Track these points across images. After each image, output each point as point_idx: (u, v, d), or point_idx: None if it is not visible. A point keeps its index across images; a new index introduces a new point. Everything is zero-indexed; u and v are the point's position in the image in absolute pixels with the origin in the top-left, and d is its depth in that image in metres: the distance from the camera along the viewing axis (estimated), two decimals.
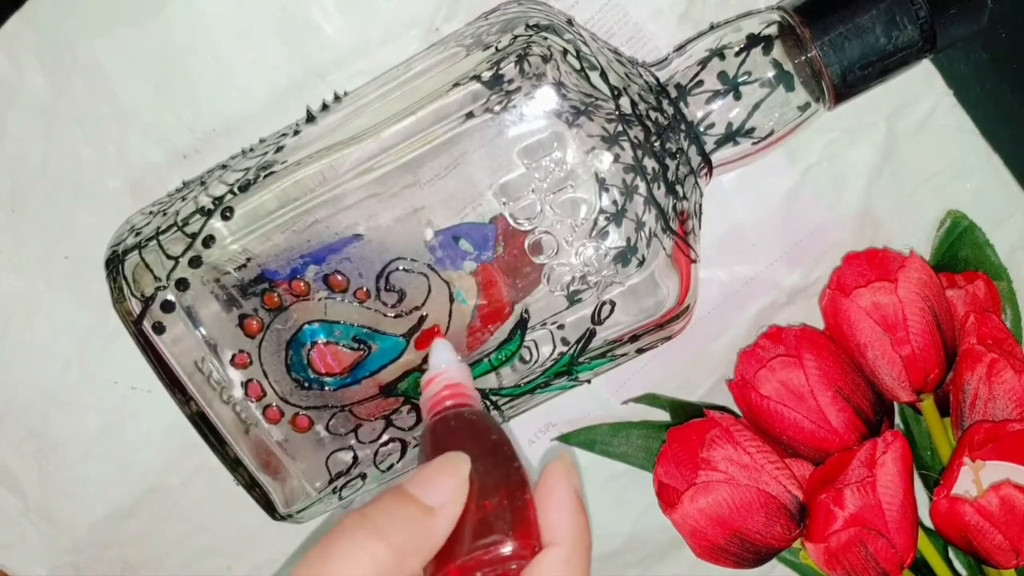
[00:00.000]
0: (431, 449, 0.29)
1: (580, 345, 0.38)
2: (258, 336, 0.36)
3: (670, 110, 0.37)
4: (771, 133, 0.39)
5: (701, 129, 0.38)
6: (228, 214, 0.36)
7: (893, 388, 0.42)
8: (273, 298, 0.36)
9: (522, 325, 0.37)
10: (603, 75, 0.36)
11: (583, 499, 0.28)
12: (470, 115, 0.35)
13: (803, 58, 0.38)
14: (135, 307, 0.36)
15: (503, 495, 0.27)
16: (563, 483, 0.28)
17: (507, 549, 0.26)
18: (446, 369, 0.31)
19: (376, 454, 0.38)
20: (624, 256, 0.36)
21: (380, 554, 0.26)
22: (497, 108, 0.35)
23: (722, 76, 0.38)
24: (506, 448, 0.29)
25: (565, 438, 0.48)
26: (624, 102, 0.36)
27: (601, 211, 0.35)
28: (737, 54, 0.38)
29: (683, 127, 0.37)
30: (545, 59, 0.35)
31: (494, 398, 0.38)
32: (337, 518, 0.27)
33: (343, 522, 0.26)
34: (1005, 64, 0.46)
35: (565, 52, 0.36)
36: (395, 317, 0.36)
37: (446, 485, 0.27)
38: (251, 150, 0.40)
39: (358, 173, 0.36)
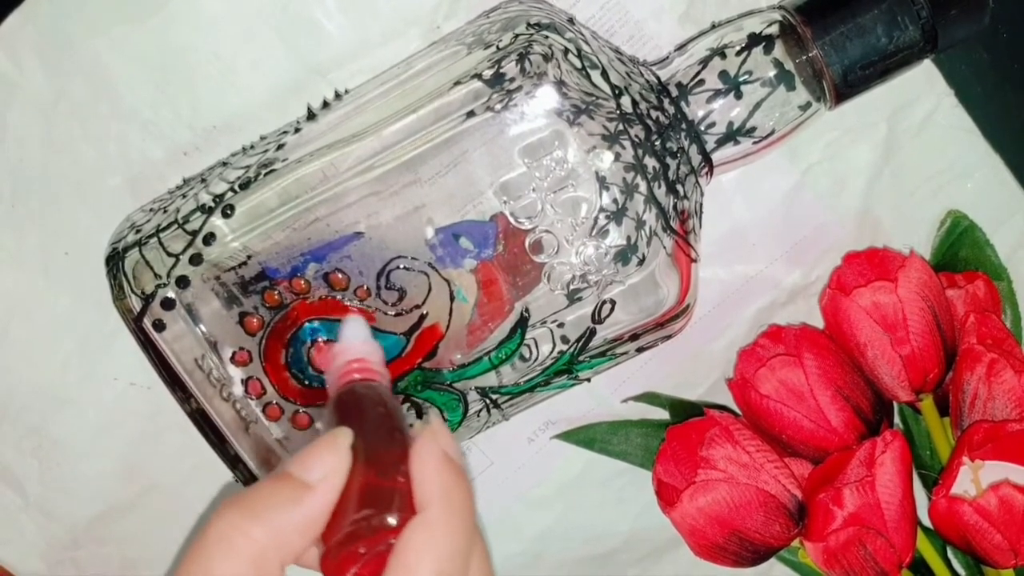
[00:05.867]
0: (325, 426, 0.28)
1: (580, 344, 0.38)
2: (258, 334, 0.36)
3: (671, 109, 0.37)
4: (772, 132, 0.39)
5: (702, 128, 0.38)
6: (229, 212, 0.36)
7: (892, 388, 0.42)
8: (273, 296, 0.36)
9: (522, 323, 0.37)
10: (604, 74, 0.36)
11: (456, 457, 0.27)
12: (471, 113, 0.35)
13: (804, 57, 0.38)
14: (135, 304, 0.36)
15: (385, 467, 0.26)
16: (427, 445, 0.27)
17: (385, 521, 0.25)
18: (351, 345, 0.30)
19: None
20: (624, 255, 0.36)
21: (257, 535, 0.25)
22: (498, 107, 0.35)
23: (723, 75, 0.38)
24: (392, 419, 0.28)
25: (565, 436, 0.48)
26: (625, 101, 0.36)
27: (601, 210, 0.35)
28: (738, 53, 0.38)
29: (684, 126, 0.37)
30: (546, 58, 0.35)
31: (494, 396, 0.38)
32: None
33: (219, 509, 0.26)
34: (1006, 64, 0.46)
35: (566, 51, 0.36)
36: (395, 315, 0.36)
37: (326, 461, 0.26)
38: (252, 147, 0.40)
39: (359, 171, 0.36)
